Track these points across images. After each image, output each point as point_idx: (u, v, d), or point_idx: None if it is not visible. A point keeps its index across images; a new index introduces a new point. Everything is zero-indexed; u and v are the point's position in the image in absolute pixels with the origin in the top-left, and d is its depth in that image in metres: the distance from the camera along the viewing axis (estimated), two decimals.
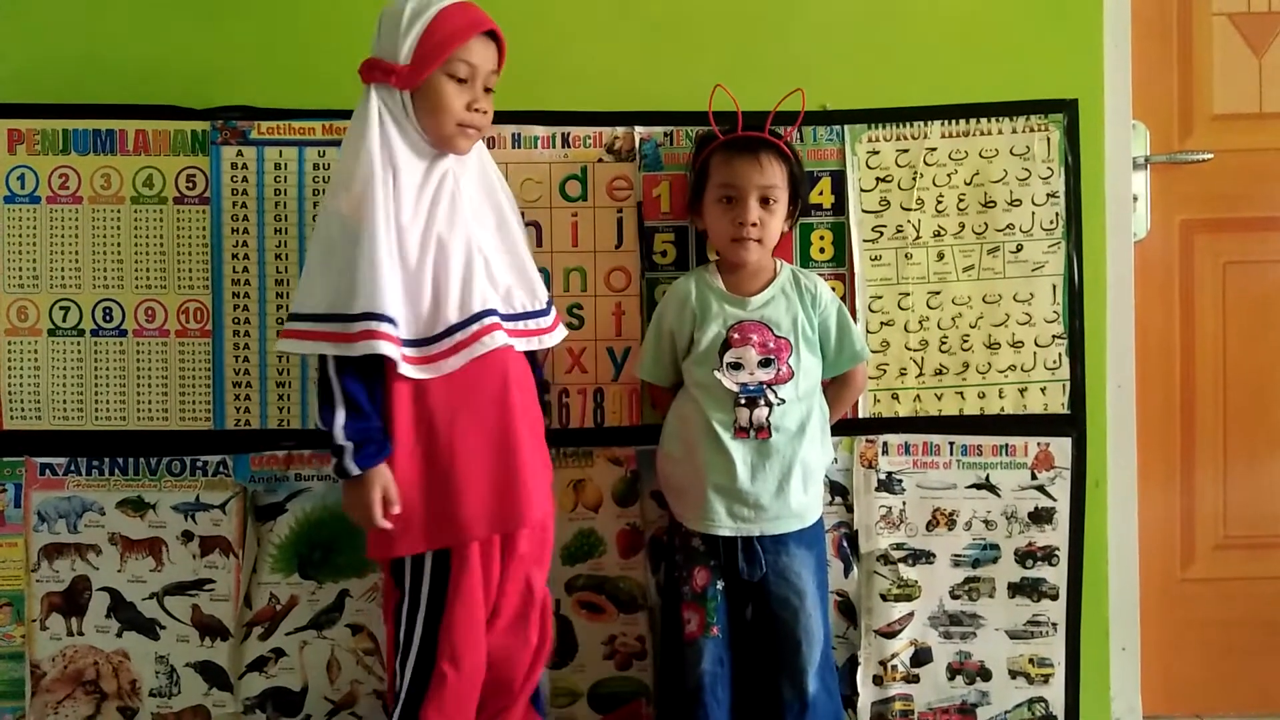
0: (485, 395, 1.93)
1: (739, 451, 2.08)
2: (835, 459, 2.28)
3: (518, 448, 1.95)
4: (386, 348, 1.80)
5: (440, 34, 1.88)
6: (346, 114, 2.25)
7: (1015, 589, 2.39)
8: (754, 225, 2.08)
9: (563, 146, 2.37)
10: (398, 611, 1.93)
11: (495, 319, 1.92)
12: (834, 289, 2.33)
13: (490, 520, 1.93)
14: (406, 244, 1.87)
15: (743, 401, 2.08)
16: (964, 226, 2.38)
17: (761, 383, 2.08)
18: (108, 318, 2.33)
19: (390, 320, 1.81)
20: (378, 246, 1.81)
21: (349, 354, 1.81)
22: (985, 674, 2.40)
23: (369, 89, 1.90)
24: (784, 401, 2.08)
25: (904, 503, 2.38)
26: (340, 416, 1.83)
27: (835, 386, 2.24)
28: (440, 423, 1.89)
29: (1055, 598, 2.39)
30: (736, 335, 2.10)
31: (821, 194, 2.35)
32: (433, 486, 1.90)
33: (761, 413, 2.08)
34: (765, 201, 2.09)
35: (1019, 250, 2.37)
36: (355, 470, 1.82)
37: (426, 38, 1.87)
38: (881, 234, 2.37)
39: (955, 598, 2.39)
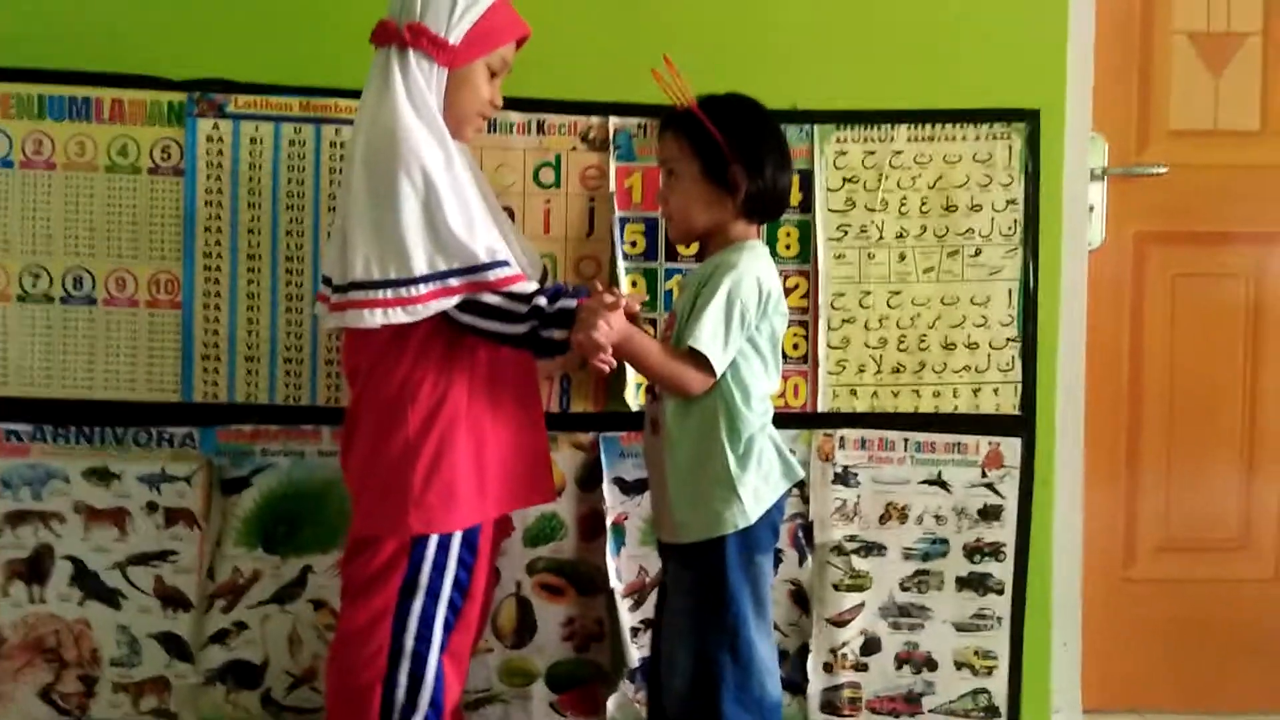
0: (523, 360, 1.98)
1: (645, 443, 2.12)
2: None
3: (541, 416, 2.05)
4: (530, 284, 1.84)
5: (491, 25, 1.90)
6: (325, 91, 2.34)
7: (963, 583, 2.45)
8: (663, 202, 2.07)
9: (538, 134, 2.39)
10: (404, 601, 1.86)
11: None
12: (796, 285, 2.40)
13: (523, 491, 1.99)
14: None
15: (649, 395, 2.09)
16: (925, 229, 2.43)
17: None
18: (78, 285, 2.33)
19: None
20: (473, 199, 1.85)
21: (503, 291, 1.81)
22: (931, 664, 2.46)
23: (405, 53, 1.85)
24: (663, 394, 1.99)
25: (859, 496, 2.43)
26: (524, 327, 1.82)
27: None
28: (498, 383, 1.93)
29: (1001, 593, 2.45)
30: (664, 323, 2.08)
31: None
32: (485, 452, 1.91)
33: (655, 406, 2.03)
34: (669, 174, 2.03)
35: (978, 254, 2.43)
36: (564, 334, 1.82)
37: (481, 24, 1.88)
38: (846, 233, 2.42)
39: (905, 590, 2.45)
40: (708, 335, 1.88)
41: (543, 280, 2.04)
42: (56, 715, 2.35)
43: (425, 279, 1.79)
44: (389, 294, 1.78)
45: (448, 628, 1.89)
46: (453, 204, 1.80)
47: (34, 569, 2.33)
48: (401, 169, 1.78)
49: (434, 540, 1.86)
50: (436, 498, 1.85)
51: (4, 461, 2.33)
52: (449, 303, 1.81)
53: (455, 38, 1.86)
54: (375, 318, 1.78)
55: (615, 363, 1.84)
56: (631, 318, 1.90)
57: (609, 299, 1.81)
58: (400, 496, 1.84)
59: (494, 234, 1.87)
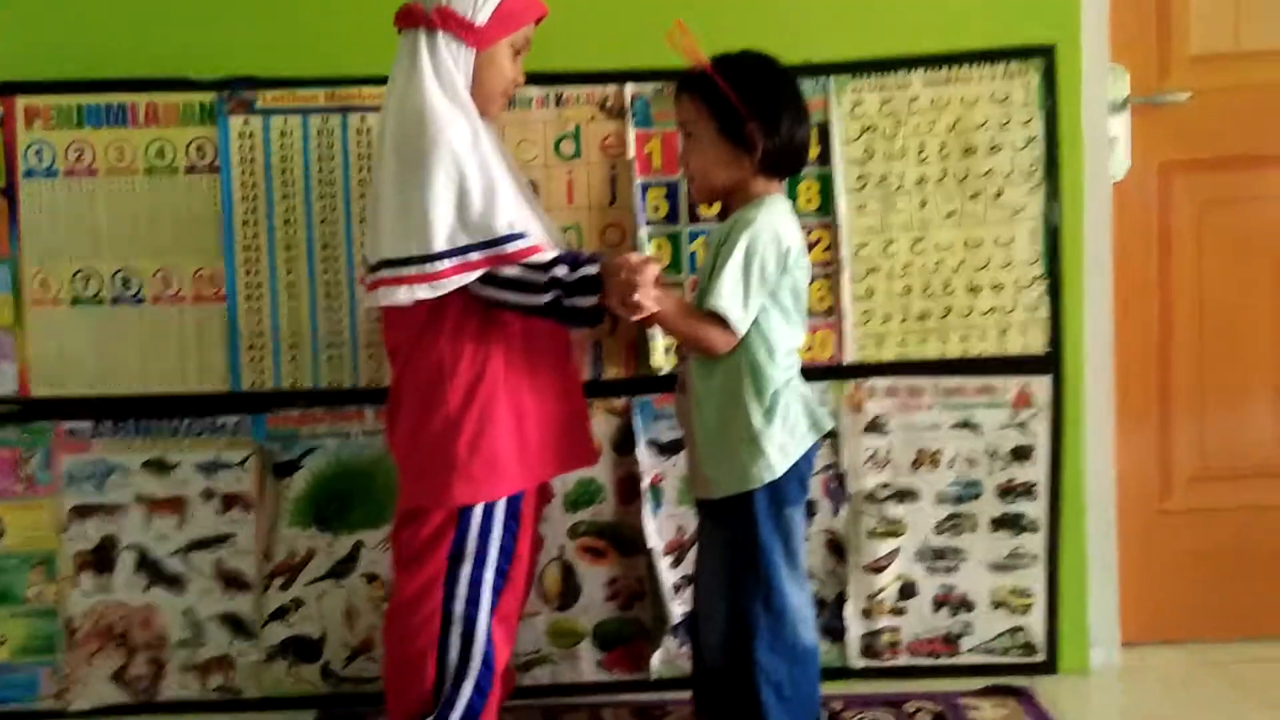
0: (559, 330, 2.05)
1: (677, 403, 2.15)
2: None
3: (580, 383, 2.13)
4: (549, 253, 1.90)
5: (513, 5, 1.96)
6: (349, 81, 2.40)
7: (997, 523, 2.47)
8: (684, 164, 2.10)
9: (556, 106, 2.44)
10: (453, 568, 1.93)
11: None
12: (819, 239, 2.41)
13: (564, 457, 2.07)
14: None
15: (677, 356, 2.12)
16: (946, 173, 2.44)
17: None
18: (126, 286, 2.43)
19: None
20: (499, 176, 1.91)
21: (522, 262, 1.87)
22: (969, 605, 2.49)
23: (434, 36, 1.91)
24: (687, 355, 2.05)
25: (890, 444, 2.46)
26: (546, 297, 1.87)
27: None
28: (535, 354, 2.00)
29: (1035, 531, 2.47)
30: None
31: None
32: (525, 423, 1.97)
33: (683, 366, 2.08)
34: (688, 136, 2.05)
35: (999, 195, 2.43)
36: (591, 301, 1.87)
37: (504, 5, 1.94)
38: (866, 183, 2.44)
39: (939, 533, 2.48)
40: (728, 294, 1.91)
41: None
42: (129, 697, 2.47)
43: (446, 254, 1.85)
44: (413, 270, 1.85)
45: (496, 591, 1.95)
46: (477, 181, 1.86)
47: (100, 559, 2.45)
48: (430, 149, 1.84)
49: (479, 509, 1.93)
50: (480, 469, 1.91)
51: (67, 458, 2.44)
52: (469, 277, 1.86)
53: (481, 19, 1.92)
54: (400, 294, 1.85)
55: (651, 303, 1.86)
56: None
57: (634, 258, 1.86)
58: (445, 469, 1.91)
59: (518, 209, 1.93)
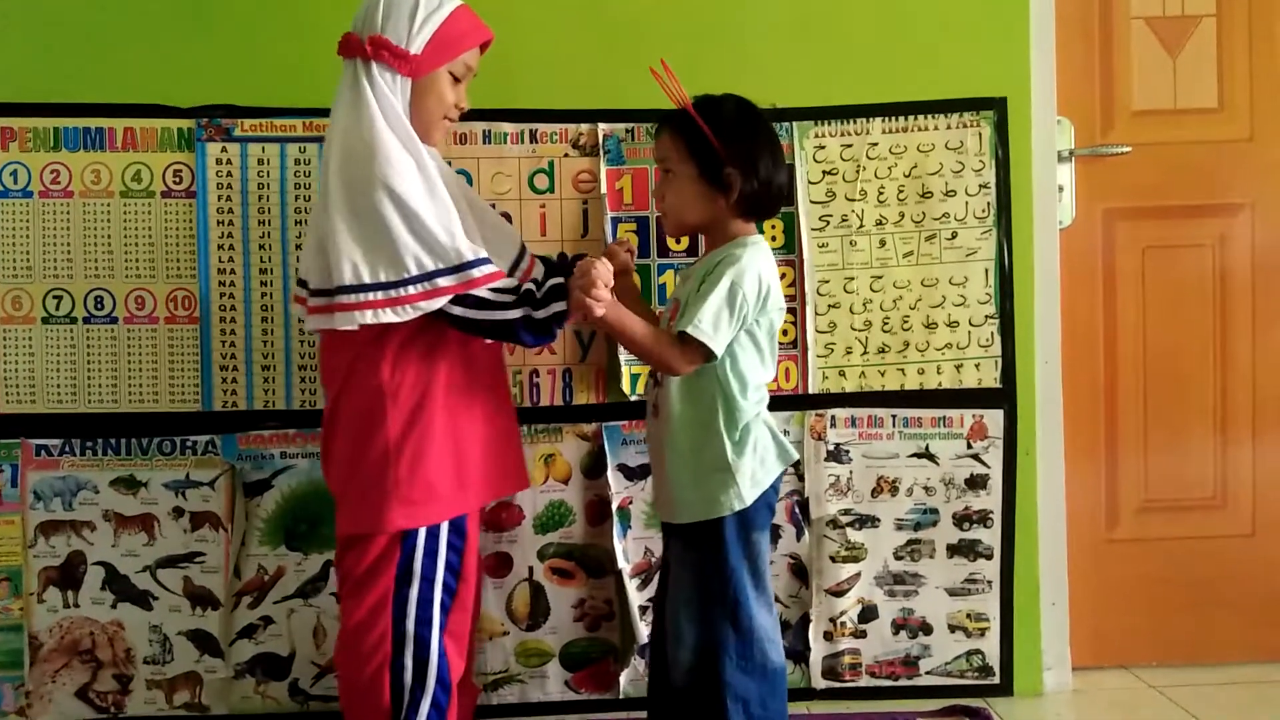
0: (493, 356, 2.07)
1: (648, 427, 2.18)
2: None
3: (513, 409, 2.13)
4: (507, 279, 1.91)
5: (452, 33, 1.95)
6: (326, 112, 2.34)
7: (953, 550, 2.56)
8: (659, 199, 2.11)
9: (531, 142, 2.50)
10: (401, 589, 1.93)
11: None
12: (783, 274, 2.47)
13: (500, 481, 2.08)
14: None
15: (651, 381, 2.15)
16: (903, 216, 2.54)
17: None
18: (99, 306, 2.45)
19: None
20: (449, 201, 1.90)
21: (492, 286, 1.88)
22: (927, 629, 2.56)
23: (370, 65, 1.90)
24: (663, 380, 2.06)
25: (851, 471, 2.54)
26: (517, 312, 1.88)
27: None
28: (473, 380, 2.00)
29: (990, 557, 2.55)
30: (667, 313, 2.15)
31: None
32: (463, 447, 1.97)
33: (654, 391, 2.10)
34: (666, 172, 2.07)
35: (954, 237, 2.54)
36: (562, 307, 1.88)
37: (441, 33, 1.93)
38: (828, 223, 2.53)
39: (898, 558, 2.55)
40: (709, 320, 1.94)
41: (519, 256, 2.14)
42: (94, 713, 2.45)
43: (415, 280, 1.84)
44: (379, 295, 1.84)
45: (444, 609, 1.96)
46: (430, 208, 1.85)
47: (67, 575, 2.44)
48: (379, 177, 1.83)
49: (423, 531, 1.93)
50: (419, 493, 1.91)
51: (36, 475, 2.44)
52: (438, 303, 1.86)
53: (416, 48, 1.91)
54: (365, 318, 1.84)
55: (608, 297, 1.89)
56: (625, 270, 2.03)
57: (583, 263, 1.88)
58: (383, 494, 1.90)
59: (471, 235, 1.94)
